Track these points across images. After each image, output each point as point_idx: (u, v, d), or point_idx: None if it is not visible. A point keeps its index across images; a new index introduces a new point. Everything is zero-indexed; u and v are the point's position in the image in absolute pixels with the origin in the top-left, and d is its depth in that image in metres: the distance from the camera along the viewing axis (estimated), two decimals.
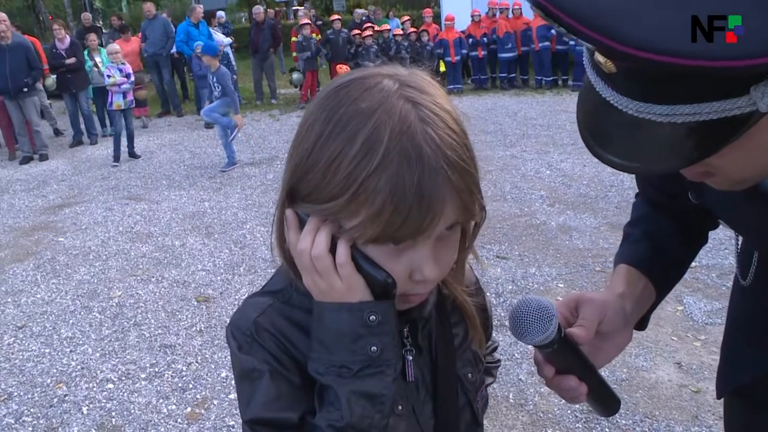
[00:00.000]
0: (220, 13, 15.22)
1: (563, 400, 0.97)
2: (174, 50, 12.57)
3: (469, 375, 0.93)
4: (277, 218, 0.79)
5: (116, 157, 8.68)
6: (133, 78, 8.93)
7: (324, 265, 0.73)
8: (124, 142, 8.84)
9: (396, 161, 0.65)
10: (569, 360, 0.93)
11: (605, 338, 1.02)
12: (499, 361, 1.15)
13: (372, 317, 0.73)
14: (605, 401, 1.00)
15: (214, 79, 7.75)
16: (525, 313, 0.86)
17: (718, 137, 0.63)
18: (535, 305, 0.86)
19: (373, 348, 0.73)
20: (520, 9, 13.31)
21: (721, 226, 1.24)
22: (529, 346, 0.96)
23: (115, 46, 9.14)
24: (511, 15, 13.35)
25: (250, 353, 0.78)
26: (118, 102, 8.65)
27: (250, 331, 0.79)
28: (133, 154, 8.99)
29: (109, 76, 8.66)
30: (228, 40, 12.53)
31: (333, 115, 0.70)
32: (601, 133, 0.72)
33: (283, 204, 0.76)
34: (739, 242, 1.13)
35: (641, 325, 1.15)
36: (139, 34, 12.18)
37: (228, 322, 0.83)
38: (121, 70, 8.69)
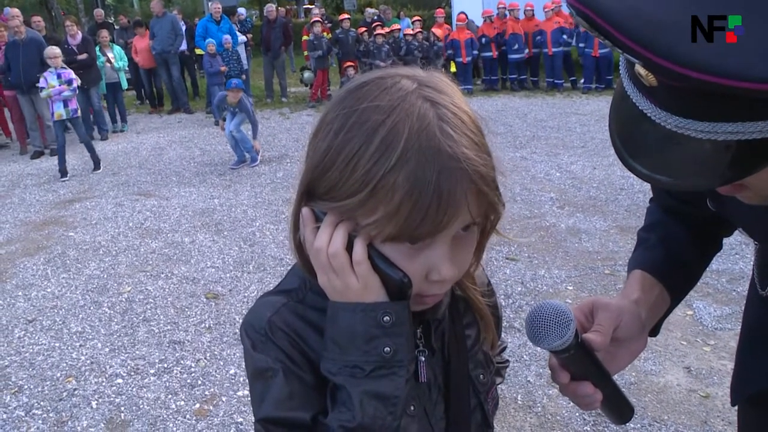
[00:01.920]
0: (241, 10, 15.23)
1: (572, 403, 0.97)
2: (184, 47, 12.62)
3: (481, 376, 0.93)
4: (292, 216, 0.79)
5: (63, 172, 7.86)
6: (75, 84, 7.94)
7: (340, 262, 0.73)
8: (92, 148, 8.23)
9: (415, 158, 0.66)
10: (585, 366, 0.92)
11: (620, 345, 1.01)
12: (507, 361, 1.15)
13: (386, 318, 0.73)
14: (619, 409, 0.99)
15: (236, 109, 7.63)
16: (542, 318, 0.85)
17: (759, 157, 0.62)
18: (552, 310, 0.85)
19: (387, 349, 0.73)
20: (532, 10, 13.29)
21: (726, 238, 1.24)
22: (539, 349, 0.95)
23: (54, 49, 7.98)
24: (522, 16, 13.31)
25: (264, 352, 0.78)
26: (58, 112, 7.73)
27: (264, 329, 0.79)
28: (97, 164, 8.15)
29: (43, 89, 7.70)
30: (243, 38, 12.56)
31: (352, 113, 0.70)
32: (634, 143, 0.72)
33: (300, 202, 0.76)
34: (756, 251, 1.12)
35: (654, 331, 1.14)
36: (147, 32, 12.22)
37: (240, 320, 0.84)
38: (60, 76, 7.74)
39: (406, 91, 0.70)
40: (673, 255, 1.15)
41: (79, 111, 8.03)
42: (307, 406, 0.76)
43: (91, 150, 8.10)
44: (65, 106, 7.79)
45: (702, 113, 0.61)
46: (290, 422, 0.75)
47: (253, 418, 0.79)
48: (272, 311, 0.80)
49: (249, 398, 3.18)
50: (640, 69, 0.65)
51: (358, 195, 0.68)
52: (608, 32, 0.58)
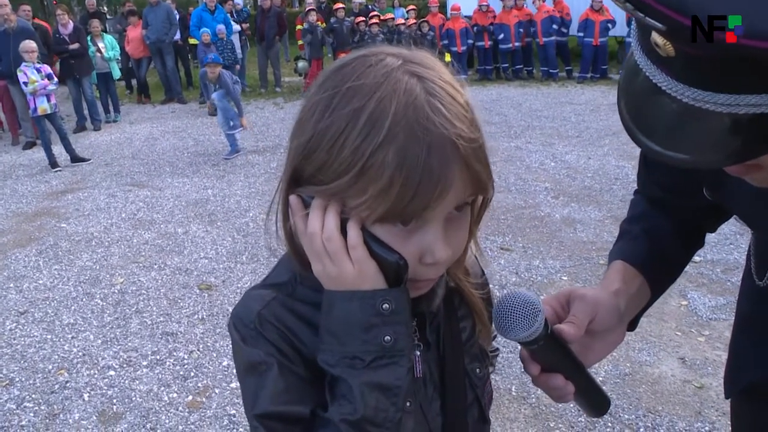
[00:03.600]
0: (237, 0, 15.12)
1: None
2: (178, 37, 12.53)
3: (477, 370, 0.91)
4: (281, 204, 0.76)
5: (53, 163, 7.84)
6: (55, 78, 7.93)
7: (335, 247, 0.70)
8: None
9: (403, 134, 0.64)
10: (556, 358, 0.89)
11: (597, 336, 0.98)
12: (497, 350, 1.13)
13: (385, 305, 0.71)
14: (594, 401, 0.97)
15: (217, 87, 7.65)
16: (509, 308, 0.83)
17: None
18: (520, 300, 0.83)
19: (387, 338, 0.71)
20: (524, 0, 13.26)
21: (720, 227, 1.22)
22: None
23: (30, 44, 7.84)
24: (513, 5, 13.24)
25: (255, 346, 0.76)
26: (42, 106, 7.65)
27: (254, 323, 0.76)
28: (76, 158, 8.07)
29: (26, 83, 7.59)
30: (238, 27, 12.47)
31: (336, 92, 0.68)
32: (646, 120, 0.69)
33: (288, 189, 0.74)
34: (754, 241, 1.10)
35: (632, 325, 1.11)
36: (139, 21, 12.14)
37: (230, 313, 0.81)
38: (39, 71, 7.67)
39: (391, 68, 0.68)
40: (655, 248, 1.13)
41: (57, 106, 7.98)
42: (305, 400, 0.73)
43: (67, 144, 8.04)
44: (48, 100, 7.74)
45: (722, 85, 0.58)
46: (288, 416, 0.72)
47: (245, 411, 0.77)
48: (261, 305, 0.78)
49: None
50: (657, 38, 0.61)
51: (347, 175, 0.66)
52: None
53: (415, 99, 0.65)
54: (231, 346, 0.82)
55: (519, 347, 0.90)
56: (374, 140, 0.64)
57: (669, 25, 0.55)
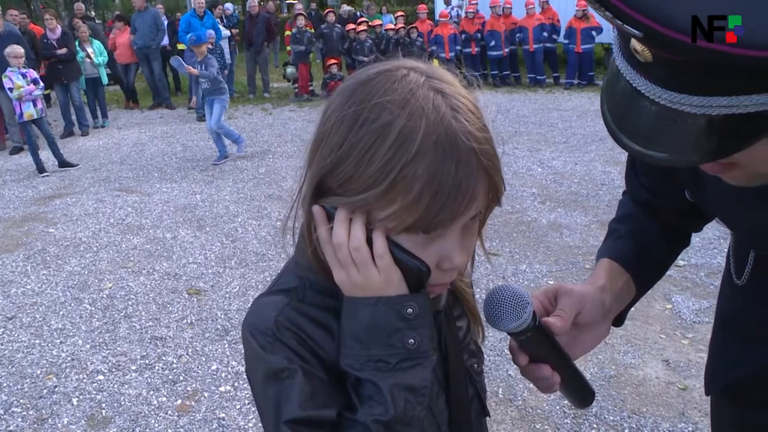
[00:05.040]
0: (228, 5, 15.12)
1: (552, 396, 0.99)
2: (166, 42, 12.52)
3: (475, 365, 0.95)
4: (305, 213, 0.78)
5: (40, 169, 7.79)
6: (42, 83, 7.88)
7: (362, 256, 0.73)
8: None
9: (433, 149, 0.67)
10: (543, 349, 0.94)
11: (583, 330, 1.03)
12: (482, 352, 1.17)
13: (410, 310, 0.74)
14: (579, 392, 1.02)
15: (203, 67, 7.67)
16: (499, 300, 0.87)
17: (753, 131, 0.63)
18: (509, 293, 0.87)
19: (411, 341, 0.74)
20: (510, 8, 13.36)
21: (706, 228, 1.26)
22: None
23: (18, 48, 7.78)
24: (501, 13, 13.34)
25: (276, 353, 0.76)
26: (28, 111, 7.57)
27: (271, 330, 0.77)
28: (64, 163, 8.01)
29: (11, 89, 7.53)
30: (227, 32, 12.46)
31: (364, 106, 0.70)
32: (627, 121, 0.72)
33: (311, 199, 0.76)
34: (733, 242, 1.14)
35: (618, 321, 1.16)
36: (127, 27, 12.10)
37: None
38: (25, 76, 7.59)
39: (416, 84, 0.71)
40: (642, 247, 1.17)
41: (44, 110, 7.92)
42: (331, 403, 0.75)
43: (55, 149, 7.98)
44: (34, 105, 7.67)
45: (696, 87, 0.62)
46: (318, 421, 0.74)
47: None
48: (276, 311, 0.79)
49: (231, 394, 3.15)
50: (636, 44, 0.65)
51: (377, 188, 0.69)
52: (614, 5, 0.58)
53: (442, 116, 0.69)
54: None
55: (505, 350, 0.93)
56: (405, 155, 0.67)
57: (645, 32, 0.58)
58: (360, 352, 0.75)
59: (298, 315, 0.79)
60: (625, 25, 0.59)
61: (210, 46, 9.22)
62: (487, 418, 1.00)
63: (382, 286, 0.74)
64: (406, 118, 0.68)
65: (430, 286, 0.79)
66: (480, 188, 0.71)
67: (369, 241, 0.74)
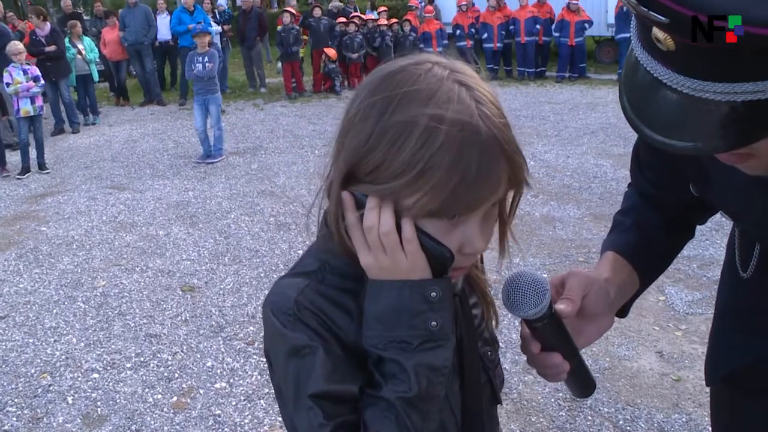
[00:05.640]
0: (221, 1, 15.02)
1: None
2: (168, 38, 12.35)
3: (489, 353, 0.97)
4: (334, 200, 0.80)
5: (25, 169, 7.69)
6: (42, 81, 7.87)
7: (391, 241, 0.76)
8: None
9: (459, 138, 0.70)
10: (556, 337, 0.94)
11: (588, 320, 1.03)
12: None
13: (433, 294, 0.77)
14: (583, 382, 1.03)
15: (205, 59, 7.58)
16: (520, 286, 0.88)
17: None
18: (530, 279, 0.88)
19: (433, 323, 0.77)
20: (504, 0, 13.36)
21: (708, 221, 1.27)
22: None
23: (18, 45, 7.78)
24: (494, 6, 13.34)
25: (297, 331, 0.79)
26: (25, 108, 7.54)
27: (292, 310, 0.79)
28: (42, 166, 7.84)
29: (8, 84, 7.52)
30: (218, 28, 12.38)
31: (393, 97, 0.73)
32: (648, 112, 0.73)
33: (340, 186, 0.78)
34: (738, 235, 1.15)
35: (622, 312, 1.17)
36: (117, 23, 12.01)
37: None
38: (26, 72, 7.59)
39: (441, 77, 0.74)
40: (646, 239, 1.18)
41: (43, 108, 7.87)
42: (352, 379, 0.78)
43: (41, 150, 7.84)
44: (32, 102, 7.63)
45: (720, 74, 0.62)
46: (341, 395, 0.77)
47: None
48: (297, 292, 0.81)
49: (226, 390, 3.15)
50: (657, 33, 0.65)
51: (405, 177, 0.71)
52: None
53: (467, 108, 0.72)
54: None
55: (501, 344, 0.93)
56: (433, 145, 0.70)
57: (671, 18, 0.58)
58: (383, 333, 0.77)
59: (318, 296, 0.81)
60: (650, 11, 0.59)
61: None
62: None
63: (409, 270, 0.77)
64: (433, 109, 0.71)
65: (452, 270, 0.81)
66: (502, 176, 0.74)
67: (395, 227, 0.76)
